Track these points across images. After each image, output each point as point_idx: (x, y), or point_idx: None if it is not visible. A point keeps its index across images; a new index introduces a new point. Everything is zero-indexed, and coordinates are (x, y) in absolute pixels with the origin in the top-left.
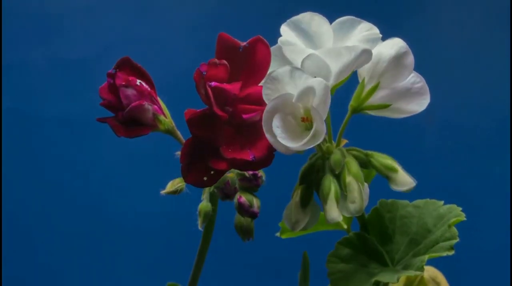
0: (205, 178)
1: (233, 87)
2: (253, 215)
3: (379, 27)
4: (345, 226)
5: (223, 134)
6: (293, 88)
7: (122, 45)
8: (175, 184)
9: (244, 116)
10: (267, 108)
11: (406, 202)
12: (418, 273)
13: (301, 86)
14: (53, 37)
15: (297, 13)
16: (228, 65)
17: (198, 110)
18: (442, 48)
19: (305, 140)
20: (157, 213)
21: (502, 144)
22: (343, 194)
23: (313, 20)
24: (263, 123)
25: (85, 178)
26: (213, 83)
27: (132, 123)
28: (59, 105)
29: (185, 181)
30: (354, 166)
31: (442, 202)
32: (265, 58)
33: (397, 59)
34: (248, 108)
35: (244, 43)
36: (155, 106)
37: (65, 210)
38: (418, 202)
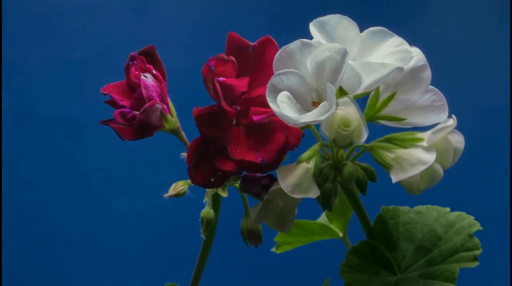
0: (212, 179)
1: (241, 84)
2: (265, 180)
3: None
4: (341, 234)
5: (231, 134)
6: (304, 64)
7: (122, 45)
8: (178, 186)
9: (255, 118)
10: (273, 80)
11: (407, 208)
12: (449, 284)
13: (313, 61)
14: (53, 37)
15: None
16: (236, 62)
17: (205, 107)
18: (442, 47)
19: (312, 112)
20: (158, 213)
21: (502, 144)
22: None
23: (340, 24)
24: (266, 92)
25: (85, 178)
26: (221, 78)
27: (139, 125)
28: (59, 104)
29: (192, 182)
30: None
31: (448, 209)
32: (274, 58)
33: (415, 71)
34: (259, 111)
35: (254, 43)
36: (164, 105)
37: (65, 210)
38: (420, 208)
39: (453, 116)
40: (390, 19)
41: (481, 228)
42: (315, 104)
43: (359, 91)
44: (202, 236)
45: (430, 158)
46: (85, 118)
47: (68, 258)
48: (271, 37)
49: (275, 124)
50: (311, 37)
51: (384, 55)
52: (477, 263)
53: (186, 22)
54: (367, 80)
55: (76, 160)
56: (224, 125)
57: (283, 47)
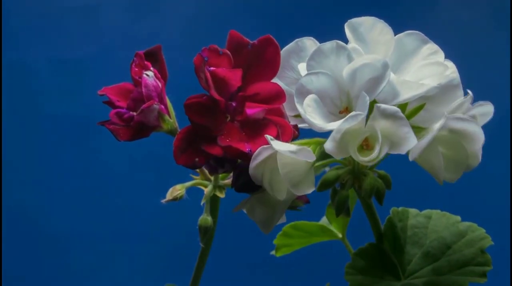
0: (196, 159)
1: (234, 76)
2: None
3: (381, 18)
4: (340, 235)
5: (223, 127)
6: (337, 66)
7: (121, 44)
8: (175, 191)
9: (248, 111)
10: (303, 80)
11: (416, 211)
12: None
13: (351, 67)
14: (53, 37)
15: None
16: (231, 56)
17: (196, 95)
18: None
19: (339, 121)
20: (158, 212)
21: (502, 144)
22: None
23: (375, 27)
24: (295, 93)
25: (86, 178)
26: (211, 68)
27: (137, 125)
28: (59, 104)
29: (176, 162)
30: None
31: (459, 218)
32: (274, 57)
33: (447, 89)
34: (254, 105)
35: (254, 41)
36: (162, 105)
37: (66, 210)
38: (429, 212)
39: (469, 92)
40: (388, 19)
41: (492, 242)
42: (343, 111)
43: (391, 104)
44: (201, 244)
45: (440, 123)
46: (86, 117)
47: (67, 258)
48: (271, 36)
49: (268, 120)
50: (314, 38)
51: (419, 66)
52: (485, 280)
53: (186, 22)
54: (402, 97)
55: (77, 159)
56: (214, 115)
57: (318, 46)
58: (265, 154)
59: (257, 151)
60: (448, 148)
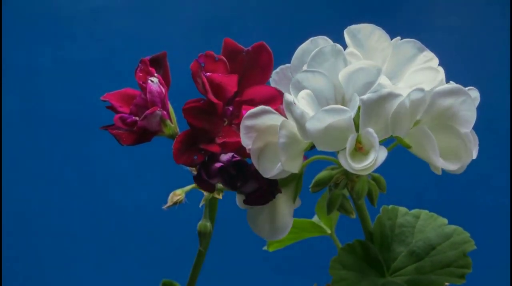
0: (195, 157)
1: (230, 82)
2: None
3: (377, 23)
4: (329, 231)
5: (221, 130)
6: (335, 68)
7: (127, 47)
8: (175, 196)
9: (244, 112)
10: (300, 75)
11: (405, 209)
12: None
13: (346, 71)
14: (60, 39)
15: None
16: (227, 63)
17: (194, 99)
18: (440, 47)
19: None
20: (159, 210)
21: (502, 144)
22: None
23: (373, 34)
24: (290, 86)
25: (89, 178)
26: (208, 74)
27: (139, 130)
28: (65, 106)
29: (176, 163)
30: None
31: (446, 220)
32: (267, 63)
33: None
34: (250, 108)
35: (248, 48)
36: (164, 111)
37: (69, 208)
38: (417, 211)
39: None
40: (387, 18)
41: (475, 247)
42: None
43: None
44: (200, 248)
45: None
46: (90, 119)
47: (69, 254)
48: (264, 42)
49: None
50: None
51: (412, 71)
52: (464, 281)
53: (190, 26)
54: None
55: (81, 159)
56: (212, 118)
57: (319, 48)
58: (269, 121)
59: (260, 108)
60: (441, 134)
